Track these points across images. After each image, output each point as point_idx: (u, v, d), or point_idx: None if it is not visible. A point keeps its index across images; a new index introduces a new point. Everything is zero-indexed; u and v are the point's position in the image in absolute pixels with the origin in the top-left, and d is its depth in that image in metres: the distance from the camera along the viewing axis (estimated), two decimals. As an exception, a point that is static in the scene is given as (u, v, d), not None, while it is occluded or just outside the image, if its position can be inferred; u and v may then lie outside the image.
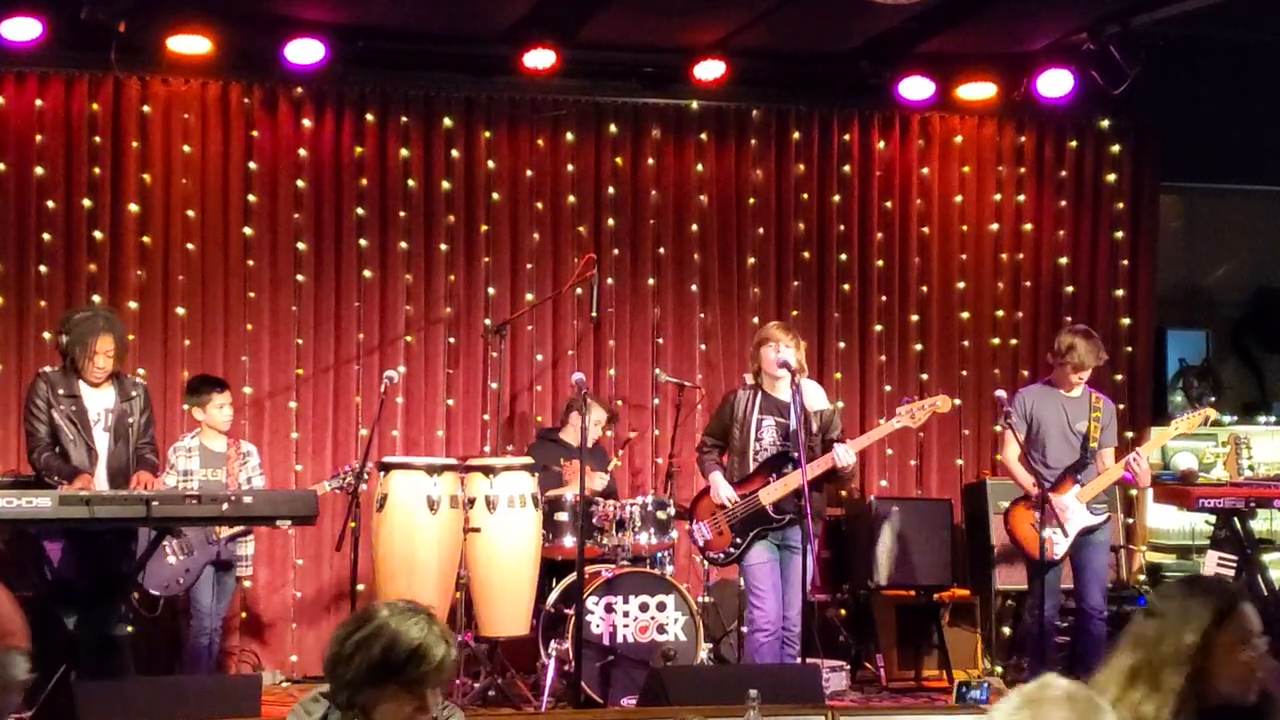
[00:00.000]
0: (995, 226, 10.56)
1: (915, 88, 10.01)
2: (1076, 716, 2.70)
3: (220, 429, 8.34)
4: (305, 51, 9.16)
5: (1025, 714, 2.73)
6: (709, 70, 9.70)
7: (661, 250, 10.08)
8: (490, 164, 9.83)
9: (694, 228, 10.10)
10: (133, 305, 9.26)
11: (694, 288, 10.10)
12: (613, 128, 10.01)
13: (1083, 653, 8.33)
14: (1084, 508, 8.32)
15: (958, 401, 10.03)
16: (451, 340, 9.75)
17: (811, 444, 7.82)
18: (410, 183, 9.70)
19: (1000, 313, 10.54)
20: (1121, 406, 9.87)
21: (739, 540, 7.92)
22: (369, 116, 9.64)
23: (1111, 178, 10.66)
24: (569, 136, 9.95)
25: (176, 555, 8.04)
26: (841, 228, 10.33)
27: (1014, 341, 10.55)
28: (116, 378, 7.59)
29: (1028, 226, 10.60)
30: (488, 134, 9.83)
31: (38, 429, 7.44)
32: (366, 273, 9.63)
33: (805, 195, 10.28)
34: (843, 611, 9.73)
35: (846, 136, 10.35)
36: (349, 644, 3.63)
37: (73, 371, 7.48)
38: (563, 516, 8.56)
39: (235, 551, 8.38)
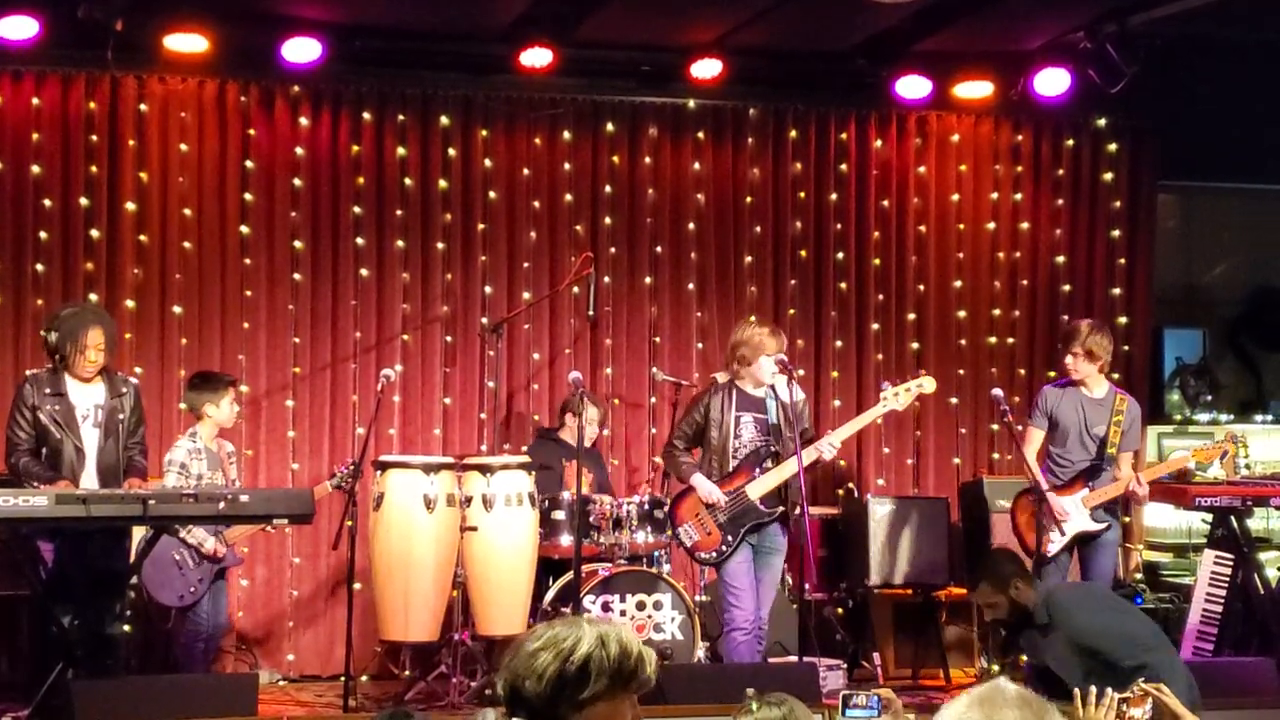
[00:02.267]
0: (992, 225, 10.57)
1: (912, 86, 10.01)
2: (1030, 716, 2.69)
3: (228, 425, 8.29)
4: (302, 50, 9.15)
5: (976, 713, 2.72)
6: (706, 69, 9.70)
7: (659, 249, 10.08)
8: (487, 162, 9.82)
9: (691, 226, 10.10)
10: (130, 304, 9.25)
11: (691, 286, 10.10)
12: (610, 126, 10.01)
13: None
14: (1085, 512, 8.26)
15: (952, 399, 10.03)
16: (448, 339, 9.74)
17: (794, 436, 7.85)
18: (407, 181, 9.69)
19: (997, 311, 10.55)
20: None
21: (730, 538, 7.86)
22: (366, 115, 9.64)
23: (1108, 176, 10.66)
24: (566, 135, 9.95)
25: (189, 565, 7.96)
26: (838, 226, 10.33)
27: (1011, 340, 10.55)
28: (107, 374, 7.54)
29: (1025, 225, 10.61)
30: (485, 132, 9.83)
31: (18, 434, 7.39)
32: (363, 271, 9.63)
33: (802, 194, 10.28)
34: (840, 610, 9.72)
35: (843, 135, 10.35)
36: (574, 661, 3.37)
37: (61, 370, 7.44)
38: (559, 515, 8.56)
39: (235, 554, 8.35)
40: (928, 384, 8.18)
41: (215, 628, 8.15)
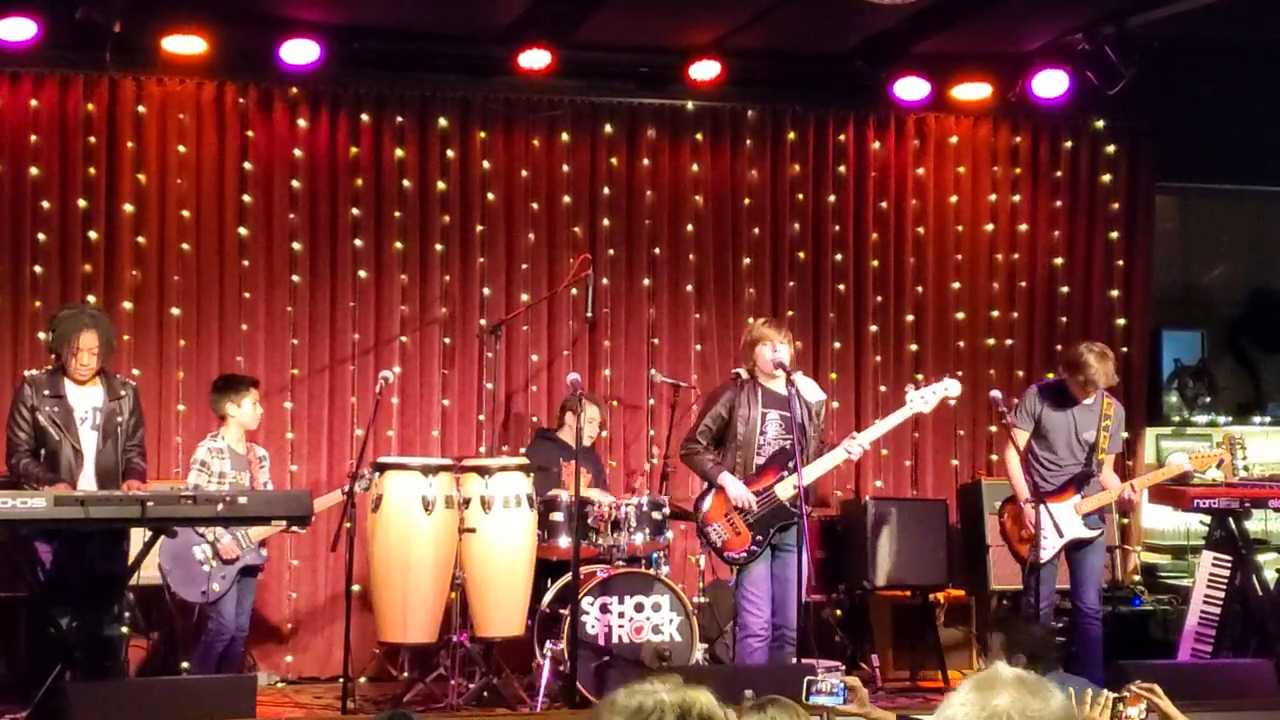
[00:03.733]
0: (990, 227, 10.57)
1: (910, 88, 10.02)
2: (1026, 694, 2.71)
3: (251, 427, 8.27)
4: (300, 52, 9.15)
5: (974, 696, 2.74)
6: (704, 71, 9.71)
7: (657, 250, 10.08)
8: (485, 164, 9.82)
9: (689, 228, 10.10)
10: (128, 306, 9.25)
11: (689, 288, 10.10)
12: (608, 128, 10.01)
13: (1078, 653, 8.32)
14: (1079, 519, 8.24)
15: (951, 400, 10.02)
16: (447, 340, 9.74)
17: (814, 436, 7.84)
18: (405, 183, 9.69)
19: (995, 313, 10.55)
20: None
21: (760, 538, 7.80)
22: (364, 117, 9.64)
23: (1107, 178, 10.67)
24: (564, 137, 9.95)
25: (210, 562, 7.95)
26: (837, 228, 10.34)
27: (1009, 342, 10.55)
28: (105, 377, 7.54)
29: (1023, 227, 10.61)
30: (483, 134, 9.83)
31: (18, 435, 7.40)
32: (362, 273, 9.63)
33: (800, 196, 10.29)
34: (839, 612, 9.73)
35: (842, 137, 10.35)
36: None
37: (60, 371, 7.45)
38: (558, 517, 8.55)
39: (262, 554, 8.32)
40: (953, 387, 8.09)
41: (238, 629, 8.13)
